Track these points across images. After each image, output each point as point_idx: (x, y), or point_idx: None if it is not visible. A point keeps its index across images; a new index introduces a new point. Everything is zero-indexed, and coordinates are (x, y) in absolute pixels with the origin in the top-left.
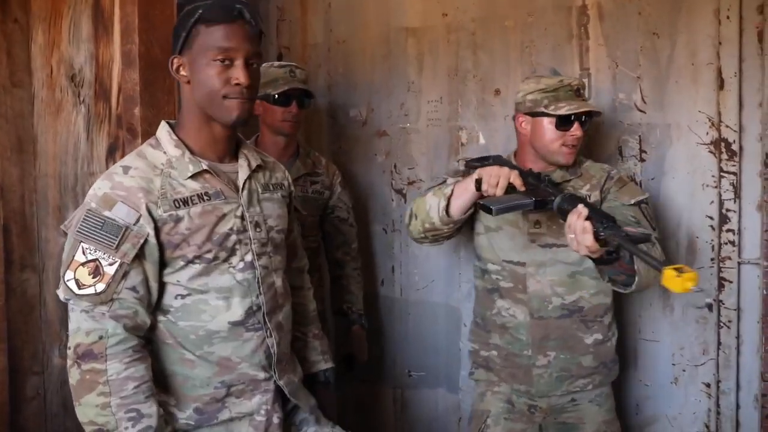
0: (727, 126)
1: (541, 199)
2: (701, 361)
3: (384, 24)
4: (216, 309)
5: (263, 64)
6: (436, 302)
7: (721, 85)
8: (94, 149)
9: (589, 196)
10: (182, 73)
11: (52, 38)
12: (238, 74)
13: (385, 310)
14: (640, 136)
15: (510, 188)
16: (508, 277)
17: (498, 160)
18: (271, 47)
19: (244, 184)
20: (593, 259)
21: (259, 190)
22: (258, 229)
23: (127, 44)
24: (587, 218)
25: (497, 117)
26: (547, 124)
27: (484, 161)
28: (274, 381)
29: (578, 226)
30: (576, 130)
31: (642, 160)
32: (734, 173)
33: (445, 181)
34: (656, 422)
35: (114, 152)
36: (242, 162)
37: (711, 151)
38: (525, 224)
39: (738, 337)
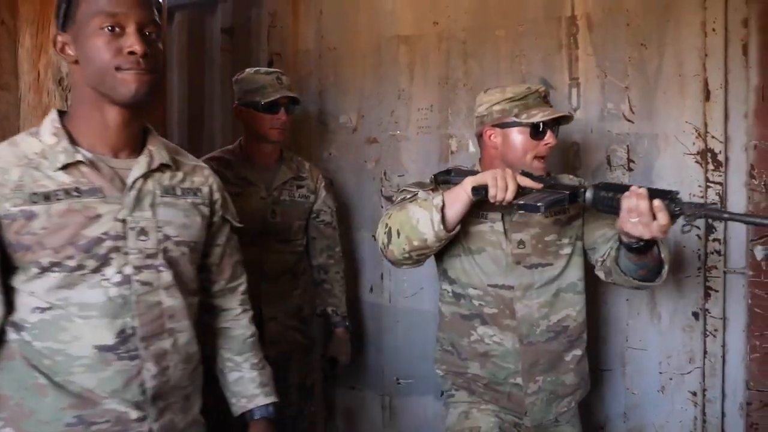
0: (713, 137)
1: (573, 191)
2: (687, 370)
3: (375, 32)
4: (79, 329)
5: (248, 70)
6: (425, 310)
7: (707, 96)
8: None
9: (569, 209)
10: (68, 52)
11: (39, 42)
12: (132, 42)
13: (374, 318)
14: (628, 145)
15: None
16: (493, 302)
17: (463, 173)
18: (262, 53)
19: (135, 183)
20: (631, 249)
21: (158, 192)
22: (143, 238)
23: None
24: (651, 196)
25: None
26: (519, 134)
27: (446, 174)
28: (149, 422)
29: (644, 207)
30: (549, 138)
31: (630, 169)
32: (720, 183)
33: (416, 195)
34: (643, 430)
35: None
36: (143, 158)
37: (697, 161)
38: (508, 245)
39: (724, 345)
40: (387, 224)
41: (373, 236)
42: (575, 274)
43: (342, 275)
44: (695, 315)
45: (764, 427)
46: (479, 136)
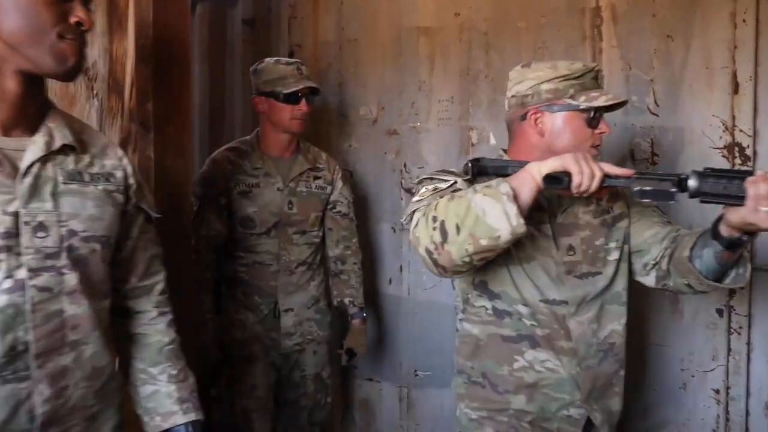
0: (741, 130)
1: (676, 179)
2: (711, 367)
3: (396, 23)
4: None
5: (267, 60)
6: (444, 302)
7: (735, 89)
8: None
9: (612, 208)
10: None
11: None
12: (80, 12)
13: (392, 310)
14: (652, 139)
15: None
16: (546, 320)
17: (502, 163)
18: (282, 45)
19: (30, 168)
20: (732, 245)
21: (60, 178)
22: (41, 234)
23: (141, 39)
24: None
25: None
26: (574, 120)
27: (477, 162)
28: None
29: None
30: (604, 126)
31: (654, 163)
32: None
33: (453, 184)
34: (664, 428)
35: (126, 146)
36: (39, 137)
37: (724, 156)
38: (558, 252)
39: (749, 343)
40: (435, 217)
41: (405, 228)
42: (621, 282)
43: (359, 266)
44: (719, 312)
45: None
46: (515, 120)
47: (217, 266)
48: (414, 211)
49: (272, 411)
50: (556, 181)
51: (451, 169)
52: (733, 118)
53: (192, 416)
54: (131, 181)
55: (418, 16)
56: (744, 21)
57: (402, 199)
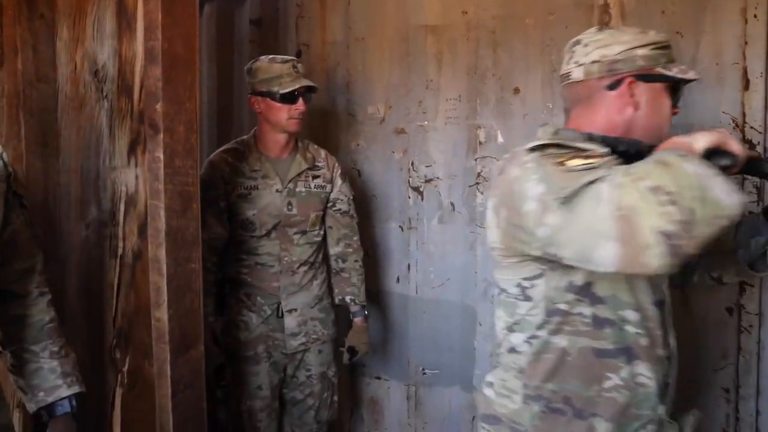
0: (751, 127)
1: None
2: (720, 366)
3: (403, 21)
4: None
5: (262, 58)
6: (452, 300)
7: (746, 85)
8: (116, 144)
9: None
10: None
11: (76, 34)
12: None
13: (400, 308)
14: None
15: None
16: (653, 327)
17: (615, 141)
18: (290, 44)
19: None
20: None
21: None
22: None
23: (150, 41)
24: None
25: (516, 115)
26: (663, 95)
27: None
28: None
29: None
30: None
31: None
32: None
33: (604, 155)
34: None
35: (135, 147)
36: None
37: None
38: None
39: (759, 342)
40: (658, 187)
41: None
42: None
43: (360, 264)
44: (729, 310)
45: None
46: (597, 89)
47: (219, 268)
48: (586, 185)
49: (277, 411)
50: (722, 158)
51: (557, 141)
52: (744, 114)
53: (76, 389)
54: (11, 169)
55: (426, 14)
56: (755, 16)
57: (410, 198)
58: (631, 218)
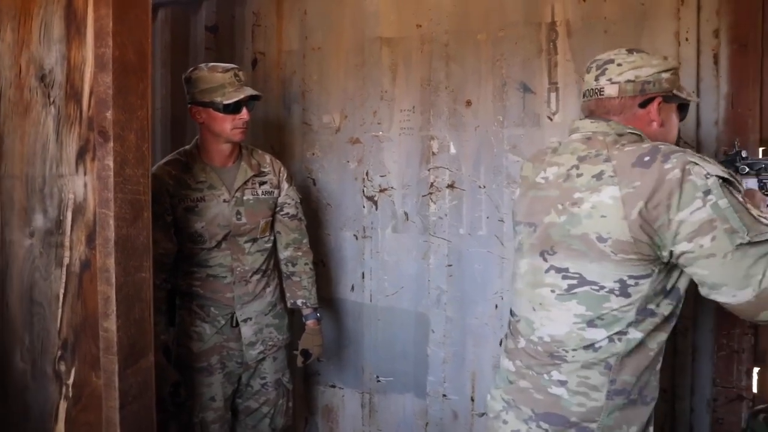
0: (685, 142)
1: None
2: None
3: (359, 33)
4: None
5: (201, 66)
6: (405, 308)
7: None
8: (64, 151)
9: None
10: None
11: (21, 37)
12: None
13: (355, 316)
14: None
15: None
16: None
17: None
18: (246, 52)
19: None
20: None
21: None
22: None
23: (101, 47)
24: None
25: (468, 127)
26: (675, 111)
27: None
28: None
29: None
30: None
31: None
32: None
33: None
34: None
35: (84, 154)
36: None
37: None
38: None
39: (693, 344)
40: None
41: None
42: None
43: (311, 267)
44: None
45: (729, 422)
46: (630, 107)
47: (170, 279)
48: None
49: (230, 421)
50: None
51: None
52: (679, 130)
53: None
54: None
55: (381, 26)
56: (687, 40)
57: (364, 207)
58: None
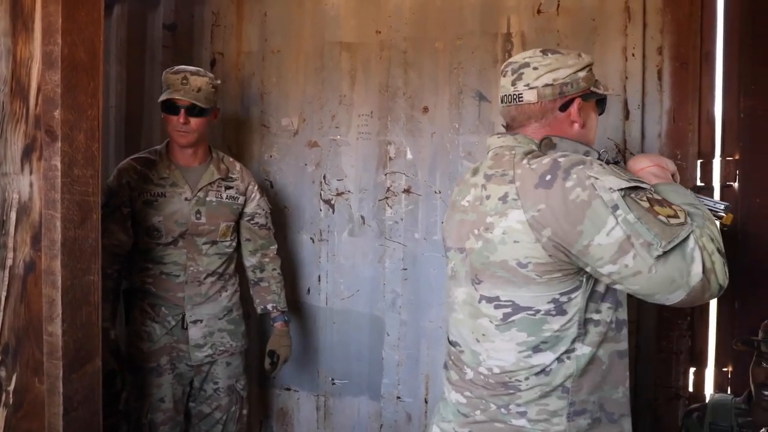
0: (631, 153)
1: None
2: None
3: (319, 37)
4: None
5: (173, 66)
6: (361, 311)
7: (626, 115)
8: (8, 149)
9: None
10: None
11: None
12: None
13: (310, 319)
14: None
15: None
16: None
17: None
18: (204, 52)
19: None
20: None
21: None
22: None
23: (49, 45)
24: None
25: (425, 133)
26: (594, 107)
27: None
28: None
29: None
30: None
31: None
32: None
33: (650, 190)
34: None
35: (30, 153)
36: None
37: None
38: None
39: (636, 346)
40: (721, 247)
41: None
42: None
43: (279, 272)
44: None
45: (668, 420)
46: (551, 110)
47: (125, 276)
48: (681, 243)
49: (182, 424)
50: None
51: (598, 161)
52: (625, 141)
53: None
54: None
55: (341, 31)
56: (633, 55)
57: (321, 210)
58: (710, 278)
